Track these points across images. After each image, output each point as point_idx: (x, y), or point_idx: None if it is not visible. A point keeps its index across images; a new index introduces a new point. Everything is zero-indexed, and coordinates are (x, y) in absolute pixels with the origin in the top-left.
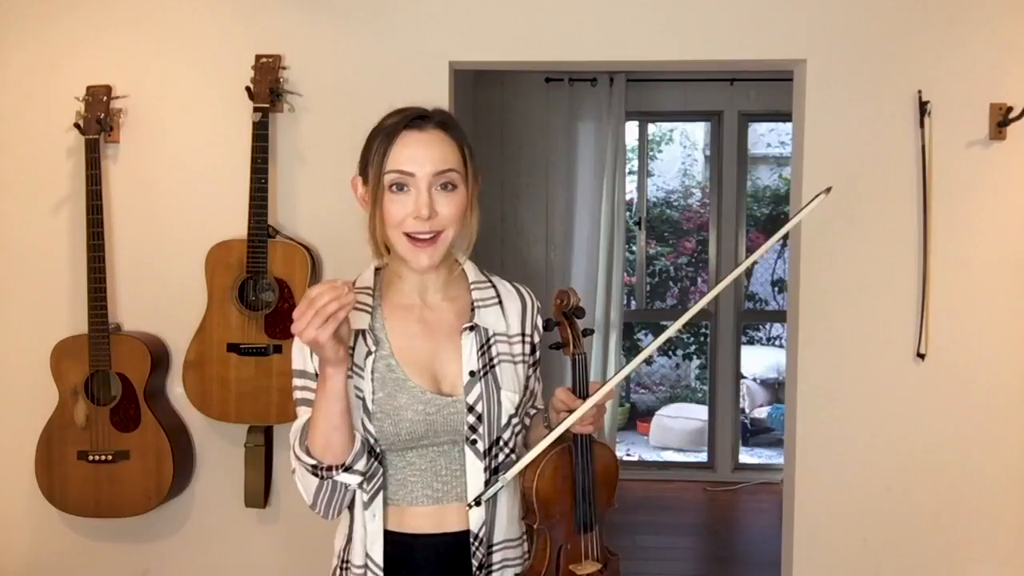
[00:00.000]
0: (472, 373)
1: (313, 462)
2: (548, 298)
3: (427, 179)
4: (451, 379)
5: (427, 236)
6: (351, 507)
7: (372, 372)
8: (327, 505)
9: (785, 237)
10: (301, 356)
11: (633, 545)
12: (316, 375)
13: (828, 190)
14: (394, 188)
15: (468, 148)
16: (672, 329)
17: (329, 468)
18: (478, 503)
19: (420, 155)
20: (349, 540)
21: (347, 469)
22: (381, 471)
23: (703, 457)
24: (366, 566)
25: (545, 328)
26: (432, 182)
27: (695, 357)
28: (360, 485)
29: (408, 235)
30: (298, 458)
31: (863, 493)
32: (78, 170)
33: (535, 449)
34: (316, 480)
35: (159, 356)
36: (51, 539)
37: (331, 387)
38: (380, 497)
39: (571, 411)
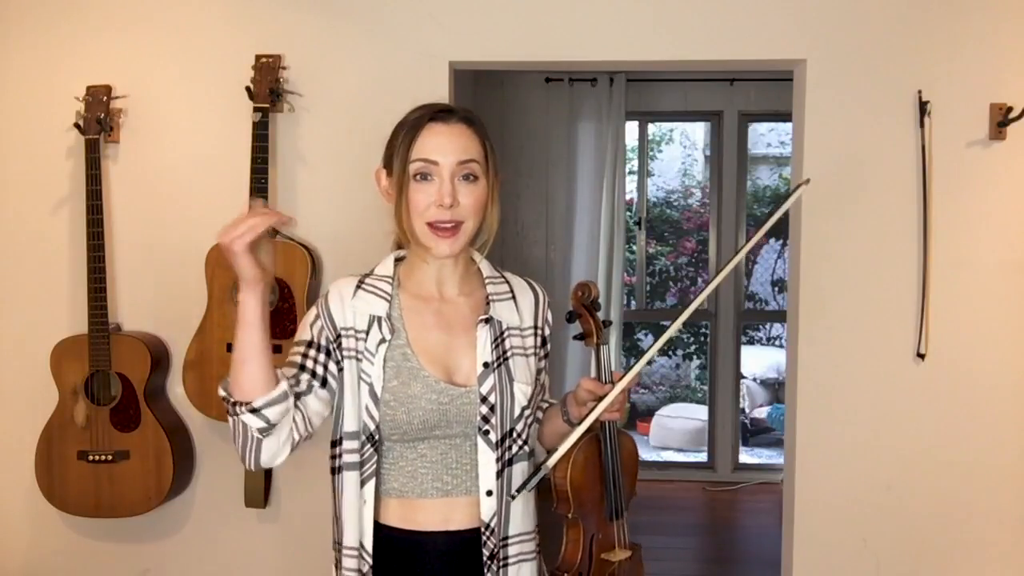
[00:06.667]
0: (486, 364)
1: (223, 395)
2: (553, 296)
3: (450, 168)
4: (465, 370)
5: (448, 225)
6: (336, 494)
7: (385, 360)
8: (241, 448)
9: (785, 237)
10: (301, 327)
11: None
12: (309, 343)
13: (807, 181)
14: (419, 177)
15: (490, 144)
16: (687, 312)
17: (235, 404)
18: (519, 491)
19: (445, 145)
20: (337, 520)
21: (253, 411)
22: (376, 458)
23: (703, 457)
24: (360, 546)
25: (567, 320)
26: (455, 172)
27: (695, 357)
28: (286, 442)
29: (431, 224)
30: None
31: (863, 493)
32: (78, 170)
33: (571, 437)
34: (231, 418)
35: (159, 356)
36: (51, 539)
37: (242, 311)
38: (372, 483)
39: (598, 399)
